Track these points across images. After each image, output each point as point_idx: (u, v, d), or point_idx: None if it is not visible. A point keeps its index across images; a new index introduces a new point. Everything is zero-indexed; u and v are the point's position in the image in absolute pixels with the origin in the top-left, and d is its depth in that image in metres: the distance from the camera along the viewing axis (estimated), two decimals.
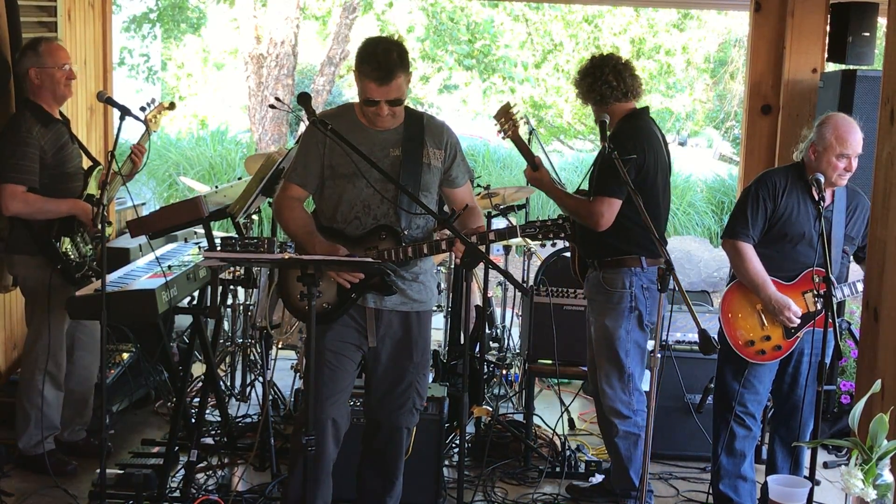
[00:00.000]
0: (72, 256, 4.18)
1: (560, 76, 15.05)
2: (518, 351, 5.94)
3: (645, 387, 4.16)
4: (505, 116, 3.95)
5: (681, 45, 15.56)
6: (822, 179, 3.73)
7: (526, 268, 6.20)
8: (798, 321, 3.85)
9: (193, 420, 4.45)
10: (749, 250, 3.87)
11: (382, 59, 3.17)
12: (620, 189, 3.77)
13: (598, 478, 4.42)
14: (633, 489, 4.07)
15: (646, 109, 4.09)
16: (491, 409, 4.78)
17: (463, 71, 15.20)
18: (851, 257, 4.03)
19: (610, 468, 4.24)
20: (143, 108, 4.21)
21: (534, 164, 4.01)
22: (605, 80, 3.97)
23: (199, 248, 4.68)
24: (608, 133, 3.62)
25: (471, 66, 15.02)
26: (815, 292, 3.83)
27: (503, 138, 4.02)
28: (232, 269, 4.68)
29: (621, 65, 4.02)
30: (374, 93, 3.21)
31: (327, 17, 14.36)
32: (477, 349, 5.02)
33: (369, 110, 3.27)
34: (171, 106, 4.43)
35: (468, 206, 3.48)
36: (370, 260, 3.24)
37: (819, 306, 3.85)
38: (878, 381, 2.85)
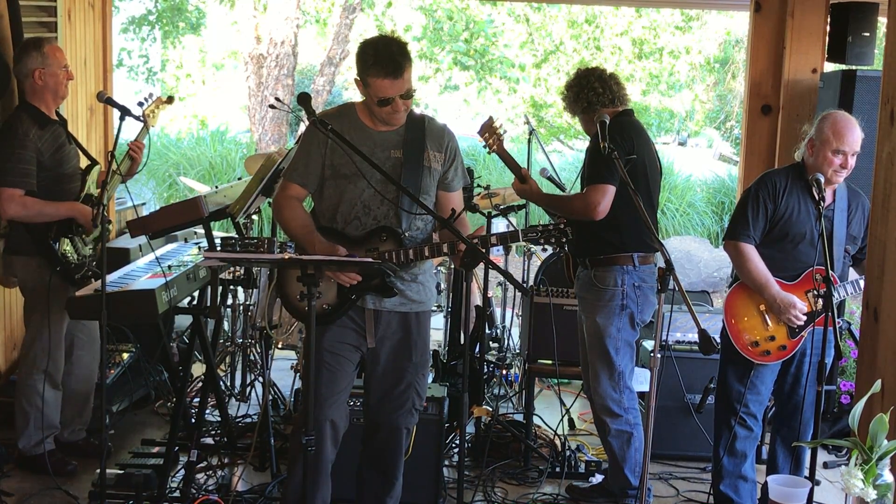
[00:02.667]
0: (70, 258, 4.18)
1: (561, 76, 15.06)
2: (518, 351, 5.94)
3: (644, 387, 4.17)
4: (489, 131, 3.98)
5: (684, 47, 15.57)
6: (822, 179, 3.73)
7: (526, 268, 6.20)
8: (803, 319, 3.85)
9: (193, 420, 4.46)
10: (751, 251, 3.87)
11: (389, 55, 3.17)
12: (612, 176, 3.80)
13: (598, 478, 4.42)
14: (629, 488, 4.07)
15: (631, 110, 4.11)
16: (491, 409, 4.78)
17: (460, 70, 15.20)
18: (850, 258, 4.03)
19: (607, 467, 4.25)
20: (140, 104, 4.20)
21: (521, 177, 4.03)
22: (590, 87, 4.03)
23: (199, 248, 4.68)
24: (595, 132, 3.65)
25: (468, 65, 15.02)
26: (816, 291, 3.83)
27: (489, 153, 4.04)
28: (232, 269, 4.68)
29: (606, 75, 4.11)
30: (387, 90, 3.20)
31: (327, 16, 14.34)
32: (477, 349, 5.02)
33: (384, 110, 3.27)
34: (170, 100, 4.43)
35: (464, 209, 3.48)
36: (370, 260, 3.24)
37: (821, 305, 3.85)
38: (878, 381, 2.84)
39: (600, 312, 4.00)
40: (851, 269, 4.06)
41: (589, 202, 3.85)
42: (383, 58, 3.17)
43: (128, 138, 4.30)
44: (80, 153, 4.42)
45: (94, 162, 4.46)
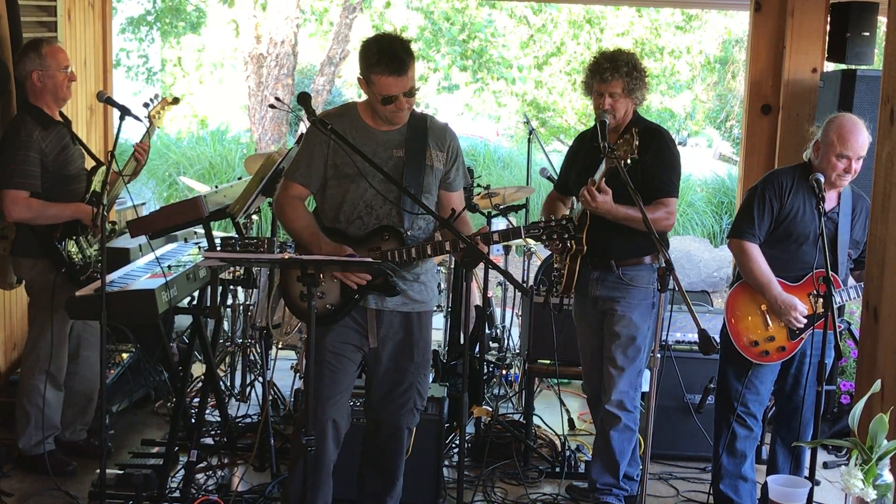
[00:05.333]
0: (76, 259, 4.18)
1: (562, 77, 15.07)
2: (518, 351, 5.94)
3: (645, 387, 4.16)
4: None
5: (685, 47, 15.57)
6: (822, 179, 3.73)
7: (526, 268, 6.20)
8: (804, 322, 3.84)
9: (193, 420, 4.45)
10: (755, 250, 3.86)
11: (392, 52, 3.17)
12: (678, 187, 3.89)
13: None
14: (614, 486, 4.04)
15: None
16: (491, 409, 4.78)
17: (459, 71, 15.20)
18: (852, 262, 4.02)
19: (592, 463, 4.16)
20: (146, 105, 4.19)
21: (598, 188, 3.71)
22: (644, 77, 3.96)
23: (199, 248, 4.67)
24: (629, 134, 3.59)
25: (465, 66, 15.01)
26: (816, 293, 3.82)
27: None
28: (232, 269, 4.68)
29: None
30: (391, 87, 3.19)
31: (325, 15, 14.34)
32: (477, 349, 5.02)
33: (388, 109, 3.26)
34: (175, 101, 4.42)
35: (464, 208, 3.48)
36: (370, 260, 3.24)
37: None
38: (878, 381, 2.85)
39: (636, 310, 3.96)
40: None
41: (672, 213, 3.91)
42: (387, 55, 3.16)
43: (128, 138, 4.30)
44: (86, 154, 4.42)
45: (99, 163, 4.46)
